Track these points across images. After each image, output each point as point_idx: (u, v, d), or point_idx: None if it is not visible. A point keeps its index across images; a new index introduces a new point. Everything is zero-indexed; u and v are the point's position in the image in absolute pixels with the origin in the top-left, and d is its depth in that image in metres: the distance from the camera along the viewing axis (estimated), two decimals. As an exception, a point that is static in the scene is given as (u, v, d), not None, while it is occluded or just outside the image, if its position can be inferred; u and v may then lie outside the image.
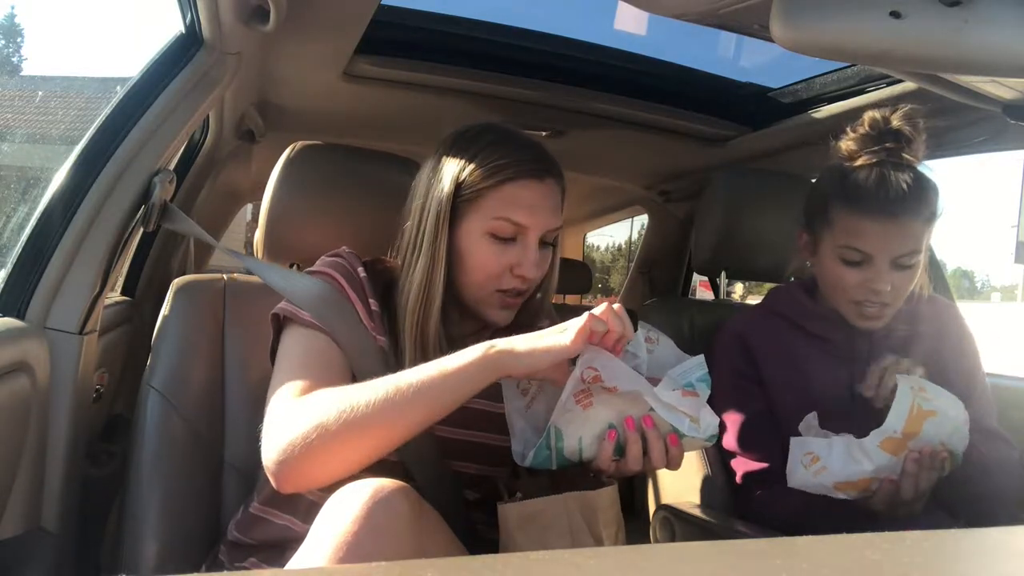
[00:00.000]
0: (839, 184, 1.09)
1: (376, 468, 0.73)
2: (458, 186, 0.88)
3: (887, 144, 1.05)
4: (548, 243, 0.93)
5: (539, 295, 0.98)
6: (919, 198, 1.04)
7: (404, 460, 0.87)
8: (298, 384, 0.79)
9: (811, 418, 1.04)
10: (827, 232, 1.11)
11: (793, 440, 1.00)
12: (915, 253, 1.05)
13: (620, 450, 0.77)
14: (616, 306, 0.76)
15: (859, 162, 1.07)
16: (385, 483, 0.66)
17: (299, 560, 0.64)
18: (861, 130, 1.08)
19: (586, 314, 0.75)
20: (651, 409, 0.75)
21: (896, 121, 1.05)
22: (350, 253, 0.94)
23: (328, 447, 0.71)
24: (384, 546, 0.61)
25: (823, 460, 0.95)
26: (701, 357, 0.82)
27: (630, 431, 0.76)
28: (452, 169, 0.89)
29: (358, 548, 0.60)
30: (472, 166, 0.88)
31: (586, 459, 0.78)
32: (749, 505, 1.16)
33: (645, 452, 0.76)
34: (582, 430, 0.77)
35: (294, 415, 0.75)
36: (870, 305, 1.08)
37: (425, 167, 0.94)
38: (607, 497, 0.78)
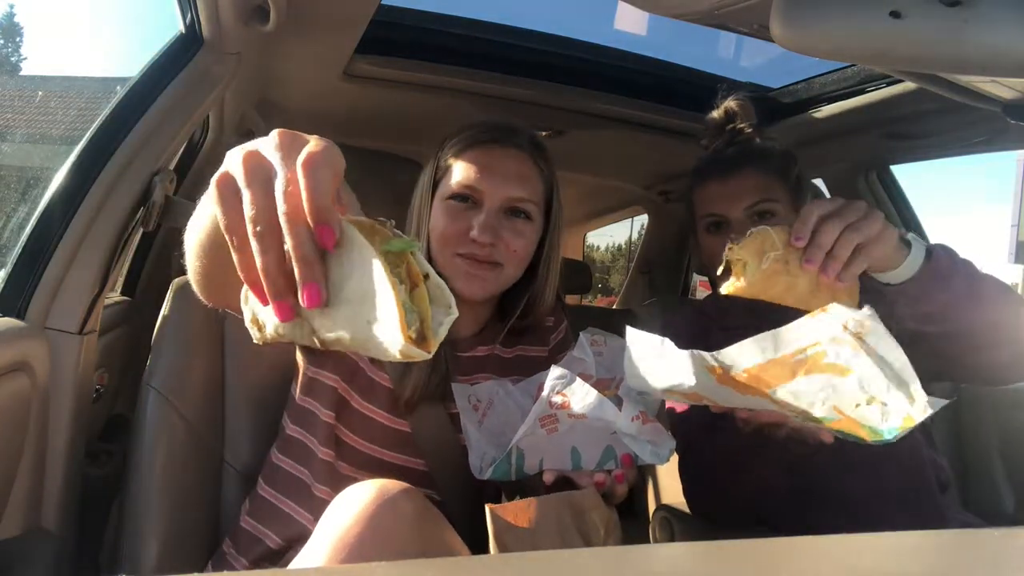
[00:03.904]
0: (691, 178, 1.18)
1: (403, 477, 0.73)
2: (436, 168, 0.94)
3: (725, 128, 1.18)
4: (521, 215, 0.91)
5: (541, 284, 0.97)
6: (754, 156, 1.12)
7: (431, 470, 0.89)
8: None
9: None
10: (694, 219, 1.17)
11: (629, 331, 0.77)
12: (766, 202, 1.09)
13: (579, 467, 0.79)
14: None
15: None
16: (390, 484, 0.66)
17: (303, 557, 0.64)
18: (709, 133, 1.20)
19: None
20: (613, 433, 0.77)
21: (729, 104, 1.17)
22: None
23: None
24: (387, 546, 0.61)
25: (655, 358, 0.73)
26: None
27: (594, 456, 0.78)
28: (435, 156, 0.96)
29: (361, 547, 0.61)
30: (447, 146, 0.95)
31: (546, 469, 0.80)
32: (699, 487, 1.13)
33: (609, 470, 0.78)
34: (545, 452, 0.78)
35: None
36: None
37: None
38: (594, 497, 0.78)
